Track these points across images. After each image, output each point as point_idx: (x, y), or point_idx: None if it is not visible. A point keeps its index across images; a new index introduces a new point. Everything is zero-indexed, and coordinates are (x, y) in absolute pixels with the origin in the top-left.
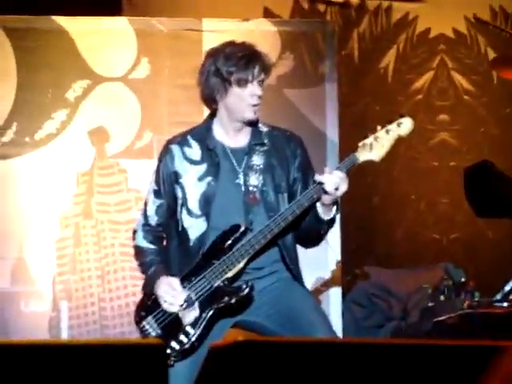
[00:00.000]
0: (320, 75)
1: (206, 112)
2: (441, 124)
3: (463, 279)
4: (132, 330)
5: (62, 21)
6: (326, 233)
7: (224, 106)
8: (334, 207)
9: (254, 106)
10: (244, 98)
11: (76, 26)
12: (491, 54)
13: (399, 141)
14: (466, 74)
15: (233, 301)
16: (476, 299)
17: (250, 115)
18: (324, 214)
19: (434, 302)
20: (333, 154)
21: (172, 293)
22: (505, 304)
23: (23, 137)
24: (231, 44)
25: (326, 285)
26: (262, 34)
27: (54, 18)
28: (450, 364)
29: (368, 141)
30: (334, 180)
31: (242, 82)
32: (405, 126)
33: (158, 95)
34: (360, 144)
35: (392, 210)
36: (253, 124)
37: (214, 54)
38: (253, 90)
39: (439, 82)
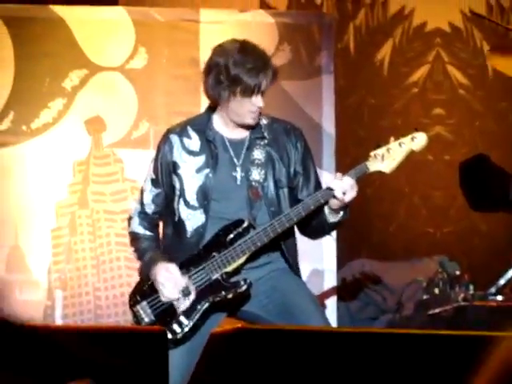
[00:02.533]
0: (317, 67)
1: (204, 102)
2: (436, 118)
3: (458, 272)
4: (126, 319)
5: (60, 10)
6: (330, 232)
7: (225, 107)
8: (342, 211)
9: (254, 113)
10: (245, 106)
11: (73, 15)
12: (487, 49)
13: (393, 133)
14: (461, 68)
15: (230, 296)
16: (470, 292)
17: (249, 121)
18: (330, 216)
19: (428, 295)
20: (328, 146)
21: (171, 279)
22: (499, 297)
23: (20, 125)
24: (243, 48)
25: (321, 276)
26: (259, 26)
27: (51, 7)
28: (445, 354)
29: (380, 151)
30: (343, 186)
31: (247, 93)
32: (419, 140)
33: (155, 85)
34: (372, 154)
35: (386, 202)
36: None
37: (222, 54)
38: (256, 101)
39: (435, 75)
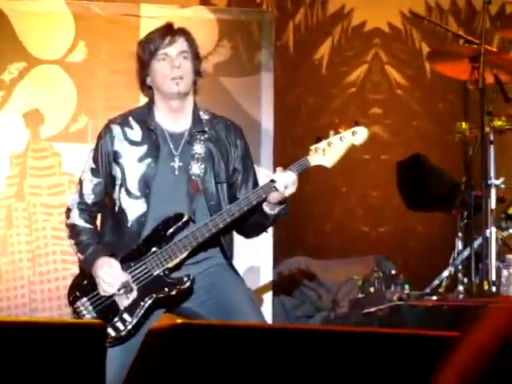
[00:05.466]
0: (256, 64)
1: (142, 97)
2: (373, 117)
3: (393, 271)
4: (61, 313)
5: (0, 2)
6: (269, 227)
7: (154, 87)
8: (279, 207)
9: (175, 78)
10: (164, 72)
11: (13, 8)
12: (425, 49)
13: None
14: (399, 69)
15: (173, 292)
16: (406, 292)
17: (172, 88)
18: (269, 209)
19: (363, 294)
20: (267, 143)
21: (112, 274)
22: (434, 297)
23: None
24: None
25: (257, 273)
26: (199, 22)
27: None
28: (379, 352)
29: (321, 145)
30: (285, 179)
31: (161, 55)
32: (359, 134)
33: (94, 79)
34: (312, 148)
35: (323, 201)
36: (182, 95)
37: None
38: (171, 62)
39: (373, 75)
